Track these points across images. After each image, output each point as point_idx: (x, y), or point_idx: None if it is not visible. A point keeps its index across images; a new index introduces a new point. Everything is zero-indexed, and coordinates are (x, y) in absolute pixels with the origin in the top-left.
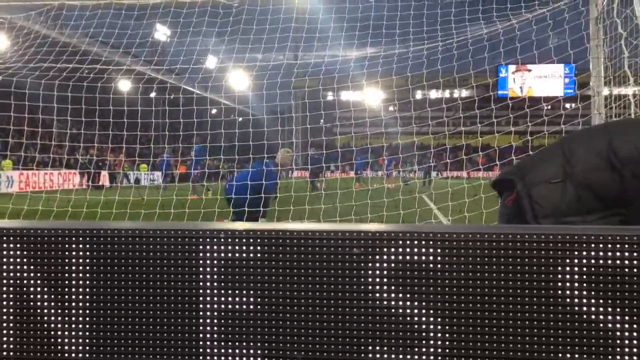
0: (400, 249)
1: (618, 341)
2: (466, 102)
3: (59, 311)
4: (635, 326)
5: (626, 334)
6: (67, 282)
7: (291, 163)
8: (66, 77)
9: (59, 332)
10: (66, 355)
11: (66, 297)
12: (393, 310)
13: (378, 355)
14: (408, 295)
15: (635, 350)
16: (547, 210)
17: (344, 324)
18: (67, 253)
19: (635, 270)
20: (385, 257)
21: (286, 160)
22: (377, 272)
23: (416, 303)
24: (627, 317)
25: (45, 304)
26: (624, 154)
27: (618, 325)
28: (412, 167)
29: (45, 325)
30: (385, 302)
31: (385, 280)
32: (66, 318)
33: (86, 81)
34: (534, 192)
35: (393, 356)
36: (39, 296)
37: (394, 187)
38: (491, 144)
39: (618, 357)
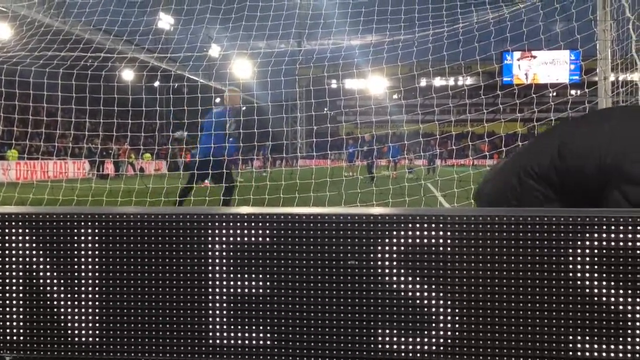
0: (410, 232)
1: (629, 323)
2: (471, 90)
3: (69, 295)
4: None
5: (637, 315)
6: (76, 266)
7: (240, 102)
8: (70, 66)
9: (69, 316)
10: (76, 339)
11: (75, 281)
12: (402, 294)
13: (388, 338)
14: (417, 279)
15: None
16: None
17: (354, 307)
18: (76, 238)
19: None
20: (394, 240)
21: (234, 99)
22: (387, 255)
23: (426, 286)
24: (638, 299)
25: (55, 288)
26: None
27: (629, 307)
28: (401, 155)
29: (55, 310)
30: (394, 285)
31: (394, 263)
32: (75, 302)
33: (90, 70)
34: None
35: (403, 339)
36: (48, 280)
37: (352, 175)
38: (496, 131)
39: (629, 339)
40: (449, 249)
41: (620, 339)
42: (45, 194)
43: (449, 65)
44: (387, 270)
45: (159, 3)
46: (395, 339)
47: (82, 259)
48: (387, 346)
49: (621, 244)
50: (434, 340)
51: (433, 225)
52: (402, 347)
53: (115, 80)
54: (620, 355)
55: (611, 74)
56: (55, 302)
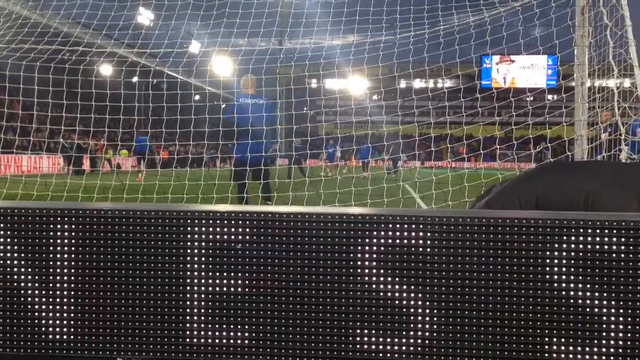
0: (390, 232)
1: (604, 325)
2: (450, 92)
3: (43, 291)
4: (621, 310)
5: (612, 318)
6: (51, 262)
7: (254, 88)
8: (47, 59)
9: (43, 313)
10: (50, 336)
11: (50, 277)
12: (382, 293)
13: (366, 338)
14: (397, 278)
15: (620, 334)
16: None
17: (332, 307)
18: (51, 233)
19: (622, 255)
20: (374, 240)
21: (247, 84)
22: (366, 255)
23: (405, 286)
24: (613, 302)
25: (29, 283)
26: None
27: (605, 310)
28: (381, 155)
29: (29, 306)
30: (374, 285)
31: (374, 263)
32: (50, 299)
33: (67, 63)
34: None
35: (381, 338)
36: (22, 276)
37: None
38: (474, 134)
39: (604, 341)
40: (428, 249)
41: (595, 340)
42: (19, 189)
43: (429, 67)
44: (366, 270)
45: None
46: (373, 338)
47: (57, 255)
48: (366, 346)
49: (597, 247)
50: (412, 340)
51: (413, 226)
52: (381, 346)
53: (94, 75)
54: (595, 357)
55: (588, 79)
56: (29, 298)
